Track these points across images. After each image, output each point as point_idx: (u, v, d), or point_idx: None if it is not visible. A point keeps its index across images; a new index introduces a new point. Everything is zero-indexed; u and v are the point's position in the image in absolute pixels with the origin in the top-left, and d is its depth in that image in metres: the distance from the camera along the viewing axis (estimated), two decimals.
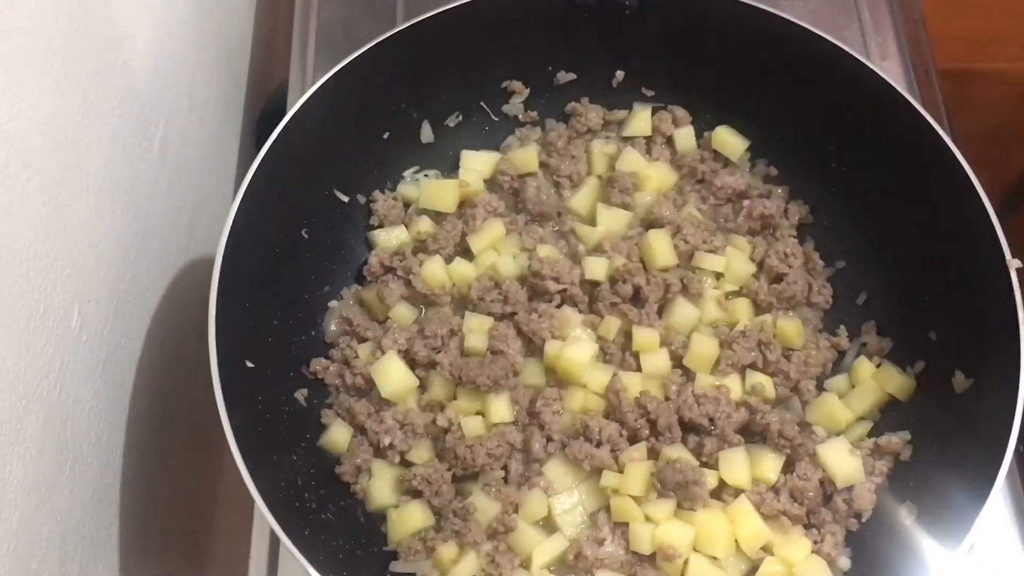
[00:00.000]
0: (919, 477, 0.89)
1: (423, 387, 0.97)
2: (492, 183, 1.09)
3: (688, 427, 0.93)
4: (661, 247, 1.00)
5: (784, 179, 1.08)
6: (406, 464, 0.94)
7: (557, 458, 0.93)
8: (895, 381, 0.94)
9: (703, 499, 0.88)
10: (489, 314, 0.98)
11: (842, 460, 0.90)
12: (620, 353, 0.98)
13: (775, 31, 1.00)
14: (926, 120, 0.93)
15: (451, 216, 1.06)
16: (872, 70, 0.96)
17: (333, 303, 1.03)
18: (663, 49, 1.07)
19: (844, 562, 0.89)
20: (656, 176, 1.08)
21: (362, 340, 1.00)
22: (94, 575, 0.88)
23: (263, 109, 1.38)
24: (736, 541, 0.88)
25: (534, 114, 1.12)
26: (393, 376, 0.95)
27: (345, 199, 1.05)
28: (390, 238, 1.05)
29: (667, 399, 0.94)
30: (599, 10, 1.05)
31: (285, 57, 1.23)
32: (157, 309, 1.03)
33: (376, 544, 0.91)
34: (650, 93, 1.11)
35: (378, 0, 1.24)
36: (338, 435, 0.95)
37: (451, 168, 1.11)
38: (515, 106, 1.12)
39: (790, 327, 0.98)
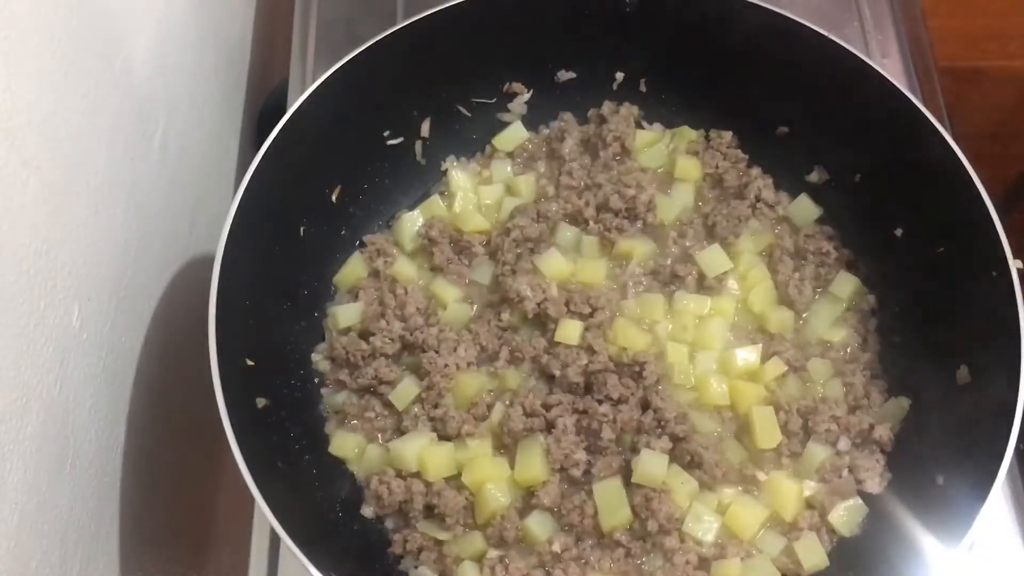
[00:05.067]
0: (919, 474, 0.89)
1: None
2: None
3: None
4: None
5: (780, 176, 1.08)
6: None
7: None
8: None
9: None
10: None
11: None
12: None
13: (776, 29, 1.00)
14: (927, 118, 0.93)
15: None
16: (873, 68, 0.96)
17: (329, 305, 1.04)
18: (663, 48, 1.07)
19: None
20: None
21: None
22: (94, 573, 0.88)
23: (263, 107, 1.38)
24: None
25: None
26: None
27: (343, 198, 1.05)
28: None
29: None
30: (599, 9, 1.06)
31: (285, 55, 1.23)
32: (157, 307, 1.03)
33: (377, 543, 0.91)
34: (648, 90, 1.12)
35: None
36: (345, 442, 0.95)
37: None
38: (518, 107, 1.12)
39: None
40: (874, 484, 0.91)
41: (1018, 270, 0.86)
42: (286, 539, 0.78)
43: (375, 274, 1.04)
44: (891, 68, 1.18)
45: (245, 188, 0.91)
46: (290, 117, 0.95)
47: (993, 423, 0.81)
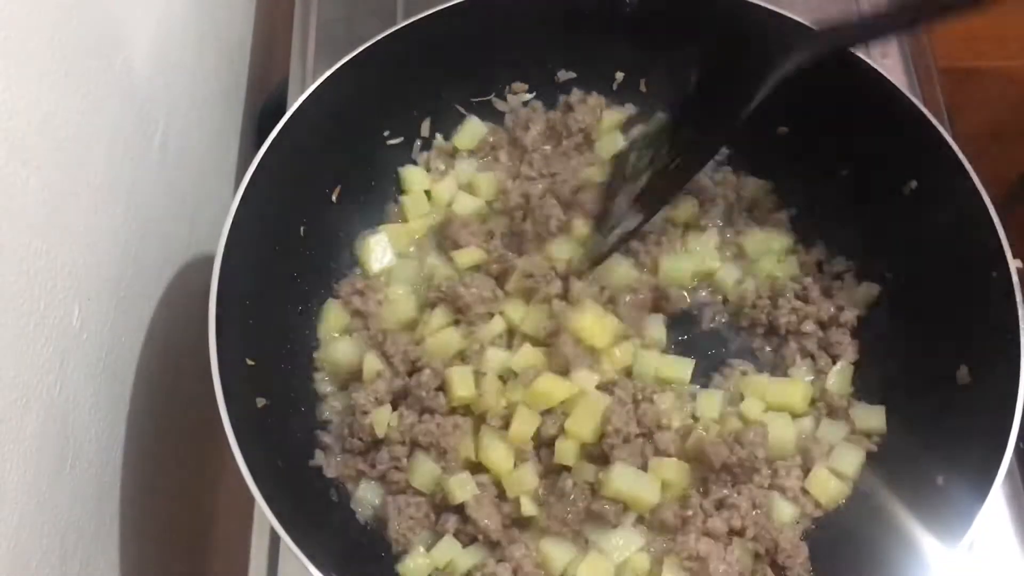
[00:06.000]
0: (918, 475, 0.89)
1: None
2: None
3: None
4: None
5: (782, 178, 1.08)
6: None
7: None
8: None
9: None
10: None
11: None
12: None
13: (775, 29, 1.00)
14: (927, 118, 0.93)
15: None
16: (873, 68, 0.97)
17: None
18: (663, 48, 1.07)
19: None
20: None
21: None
22: (94, 573, 0.88)
23: (263, 106, 1.38)
24: None
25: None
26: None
27: (343, 198, 1.05)
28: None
29: None
30: (599, 9, 1.06)
31: (285, 55, 1.23)
32: (157, 307, 1.03)
33: (377, 543, 0.91)
34: (648, 91, 1.12)
35: None
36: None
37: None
38: (517, 106, 1.12)
39: None
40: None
41: (1018, 270, 0.86)
42: (286, 539, 0.78)
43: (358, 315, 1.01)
44: (891, 68, 1.18)
45: (245, 188, 0.91)
46: (290, 117, 0.95)
47: (993, 423, 0.82)
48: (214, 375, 0.82)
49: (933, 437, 0.90)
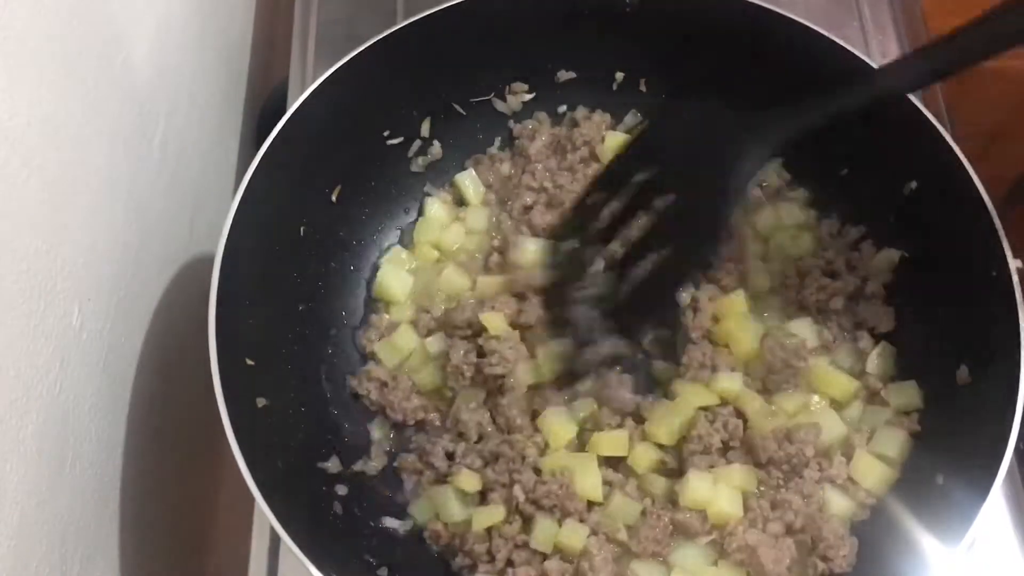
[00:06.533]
0: (919, 474, 0.89)
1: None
2: None
3: None
4: None
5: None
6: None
7: None
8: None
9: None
10: None
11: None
12: None
13: (776, 29, 1.00)
14: (927, 118, 0.93)
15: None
16: (873, 68, 0.96)
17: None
18: (663, 48, 1.07)
19: None
20: None
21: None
22: (94, 573, 0.88)
23: (263, 107, 1.38)
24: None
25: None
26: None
27: (343, 198, 1.05)
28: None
29: None
30: (599, 9, 1.06)
31: (285, 55, 1.23)
32: (157, 307, 1.03)
33: (378, 544, 0.91)
34: (648, 90, 1.12)
35: None
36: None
37: (453, 170, 1.12)
38: (516, 106, 1.12)
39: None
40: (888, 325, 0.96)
41: (1018, 270, 0.86)
42: (286, 539, 0.78)
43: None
44: None
45: (245, 188, 0.91)
46: (290, 117, 0.95)
47: (993, 423, 0.81)
48: (214, 375, 0.82)
49: (933, 437, 0.90)
